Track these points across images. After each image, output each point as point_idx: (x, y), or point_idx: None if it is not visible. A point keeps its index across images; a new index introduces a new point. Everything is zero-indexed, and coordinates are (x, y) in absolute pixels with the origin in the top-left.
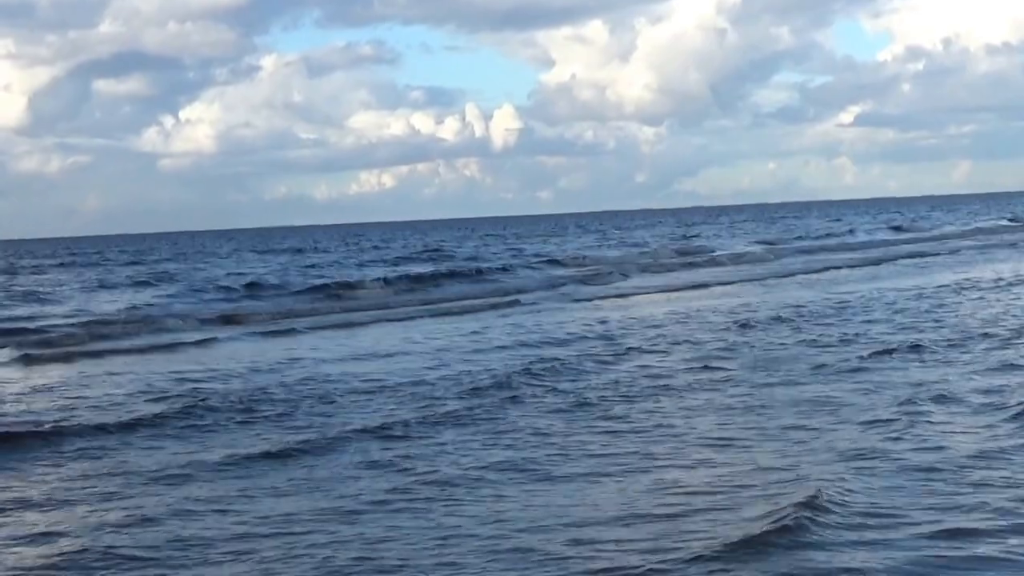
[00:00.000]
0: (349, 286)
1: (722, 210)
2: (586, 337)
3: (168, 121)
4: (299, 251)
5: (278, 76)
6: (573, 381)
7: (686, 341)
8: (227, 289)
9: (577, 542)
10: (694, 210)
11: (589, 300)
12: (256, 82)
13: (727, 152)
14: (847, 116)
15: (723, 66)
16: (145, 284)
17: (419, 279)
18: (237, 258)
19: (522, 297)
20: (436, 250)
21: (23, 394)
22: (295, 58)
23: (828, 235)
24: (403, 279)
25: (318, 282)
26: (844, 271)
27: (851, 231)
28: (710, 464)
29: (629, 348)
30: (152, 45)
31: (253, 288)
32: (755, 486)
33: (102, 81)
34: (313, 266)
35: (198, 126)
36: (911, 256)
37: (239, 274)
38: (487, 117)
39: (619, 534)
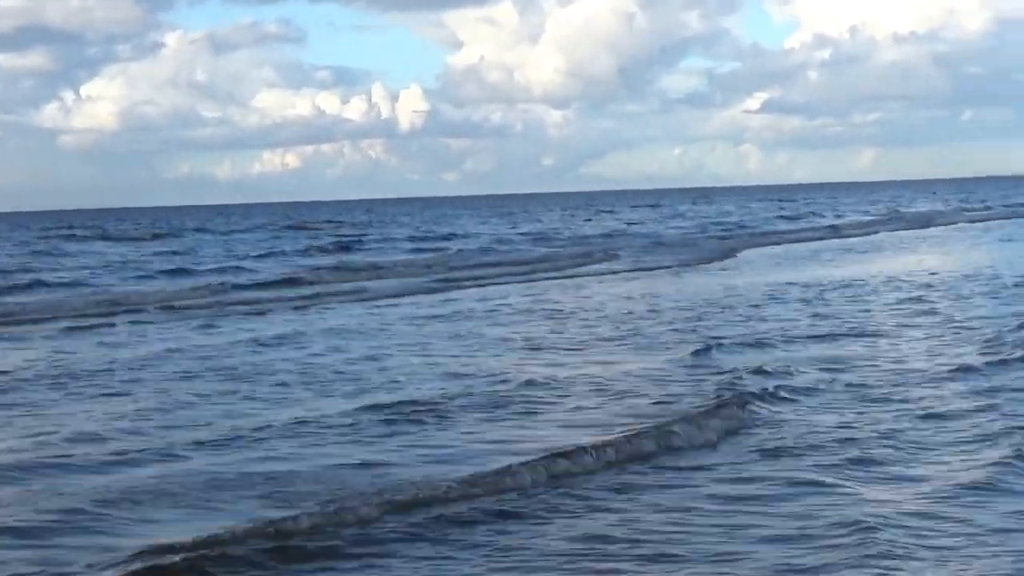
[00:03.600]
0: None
1: (656, 194)
2: None
3: (69, 97)
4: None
5: (182, 53)
6: None
7: None
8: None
9: None
10: (612, 193)
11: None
12: (160, 59)
13: (634, 136)
14: (754, 102)
15: (632, 50)
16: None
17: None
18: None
19: None
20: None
21: None
22: (200, 35)
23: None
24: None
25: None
26: None
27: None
28: None
29: None
30: (55, 19)
31: None
32: None
33: (2, 55)
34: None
35: (99, 103)
36: None
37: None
38: (394, 98)
39: None
